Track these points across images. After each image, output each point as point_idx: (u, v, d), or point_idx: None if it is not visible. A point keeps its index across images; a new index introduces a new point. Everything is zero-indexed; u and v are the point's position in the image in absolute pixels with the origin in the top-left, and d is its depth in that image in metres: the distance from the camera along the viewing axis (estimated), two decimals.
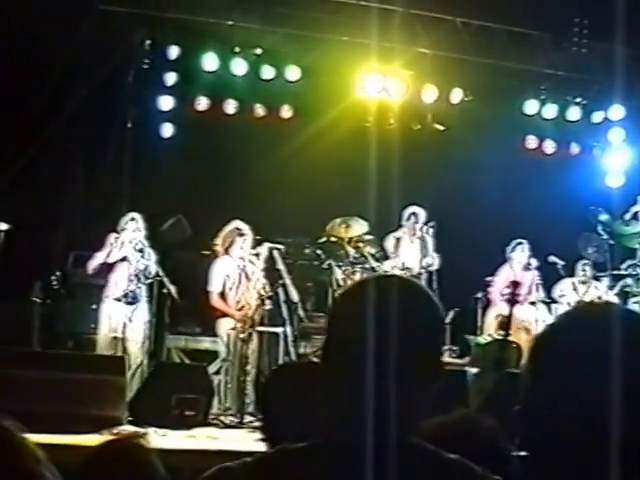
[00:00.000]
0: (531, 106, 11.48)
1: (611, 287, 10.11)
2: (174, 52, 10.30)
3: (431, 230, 9.85)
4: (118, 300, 8.31)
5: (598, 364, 1.32)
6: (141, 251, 8.39)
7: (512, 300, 7.97)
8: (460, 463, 1.56)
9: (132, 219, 8.52)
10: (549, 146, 11.91)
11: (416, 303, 1.60)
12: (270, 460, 1.60)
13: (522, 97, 11.51)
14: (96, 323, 8.47)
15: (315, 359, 9.23)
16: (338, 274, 9.61)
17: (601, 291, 9.95)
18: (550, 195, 11.03)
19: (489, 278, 9.99)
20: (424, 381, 1.57)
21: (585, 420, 1.31)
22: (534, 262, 9.79)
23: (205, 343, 9.29)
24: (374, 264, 9.57)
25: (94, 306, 8.70)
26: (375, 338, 1.50)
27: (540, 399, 1.36)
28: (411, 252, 10.05)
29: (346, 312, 1.60)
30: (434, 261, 9.91)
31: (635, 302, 9.91)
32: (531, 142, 11.90)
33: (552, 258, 9.95)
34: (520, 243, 9.83)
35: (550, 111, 11.56)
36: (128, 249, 8.37)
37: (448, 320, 8.50)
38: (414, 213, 10.04)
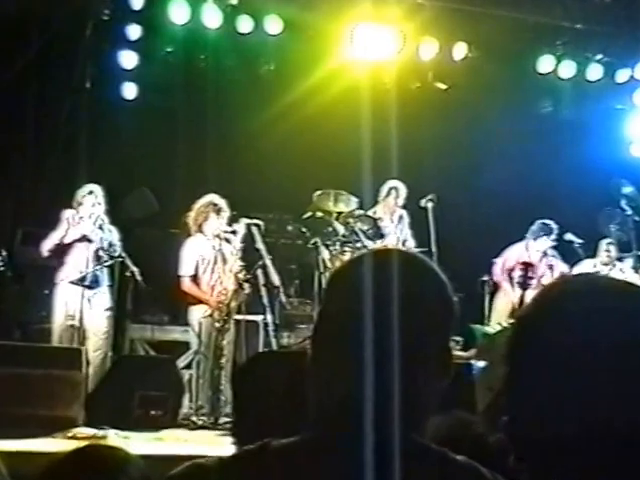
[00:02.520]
0: (546, 64, 11.43)
1: (636, 269, 10.08)
2: (138, 1, 10.15)
3: (430, 204, 9.84)
4: (75, 284, 8.20)
5: (595, 354, 1.20)
6: (101, 228, 8.32)
7: (524, 284, 7.92)
8: (468, 464, 1.55)
9: (90, 192, 8.41)
10: (566, 110, 11.89)
11: (422, 281, 1.56)
12: (252, 457, 1.52)
13: (536, 53, 11.45)
14: (49, 310, 8.40)
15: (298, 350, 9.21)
16: (325, 254, 9.56)
17: (626, 274, 9.91)
18: (567, 165, 11.07)
19: (496, 259, 9.96)
20: (430, 373, 1.54)
21: (586, 429, 1.19)
22: (549, 242, 9.78)
23: (174, 333, 9.25)
24: (366, 242, 9.53)
25: (46, 291, 8.64)
26: (375, 321, 1.48)
27: (527, 407, 1.24)
28: (390, 231, 10.15)
29: (341, 291, 1.58)
30: (413, 243, 10.01)
31: None
32: (546, 105, 11.91)
33: (569, 236, 9.95)
34: (547, 227, 9.75)
35: (567, 69, 11.51)
36: (87, 226, 8.29)
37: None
38: (394, 187, 10.14)
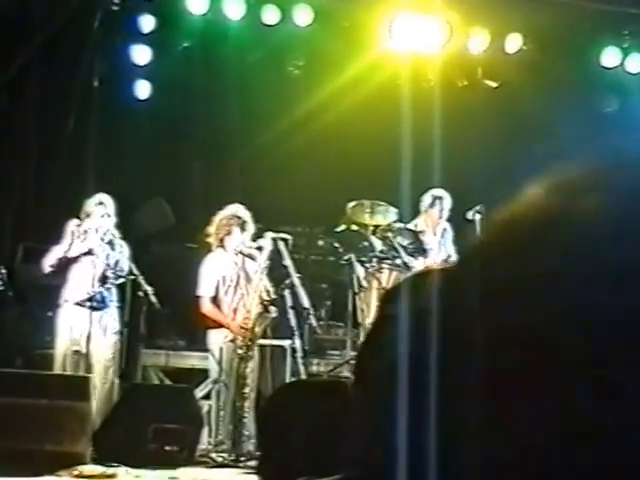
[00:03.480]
0: (611, 57, 11.54)
1: None
2: None
3: (478, 217, 9.84)
4: (81, 305, 8.39)
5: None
6: (110, 243, 8.47)
7: None
8: None
9: (99, 202, 8.56)
10: (634, 108, 11.86)
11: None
12: None
13: (599, 45, 11.56)
14: (52, 334, 8.56)
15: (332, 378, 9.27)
16: (360, 272, 9.62)
17: None
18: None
19: None
20: None
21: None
22: None
23: (191, 360, 9.40)
24: (407, 259, 9.60)
25: (50, 313, 8.81)
26: (434, 352, 1.45)
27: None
28: (434, 247, 10.18)
29: (395, 315, 1.58)
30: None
31: None
32: (611, 103, 11.96)
33: None
34: None
35: (636, 63, 11.61)
36: (94, 240, 8.45)
37: None
38: (438, 197, 10.13)
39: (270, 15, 10.72)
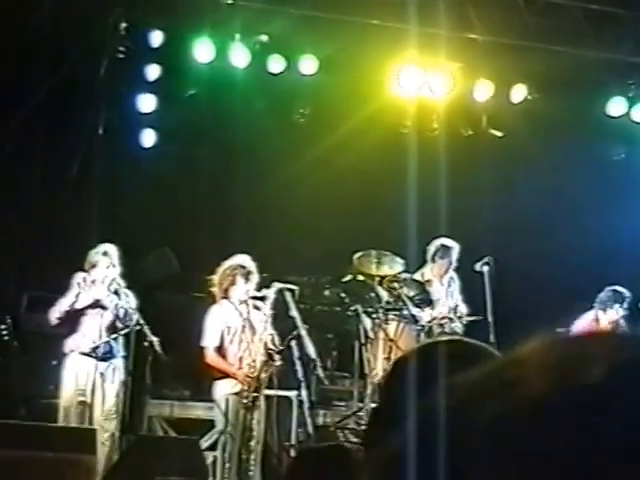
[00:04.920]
0: (617, 106, 11.69)
1: None
2: (157, 38, 10.55)
3: (486, 268, 9.93)
4: (87, 355, 8.49)
5: None
6: (117, 293, 8.58)
7: None
8: None
9: (104, 253, 8.64)
10: None
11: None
12: None
13: (605, 95, 11.72)
14: (57, 384, 8.63)
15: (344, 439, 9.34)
16: (367, 323, 9.76)
17: None
18: None
19: (561, 330, 10.13)
20: None
21: None
22: (622, 309, 9.90)
23: (197, 410, 9.49)
24: (414, 310, 9.73)
25: (54, 362, 8.90)
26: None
27: None
28: (441, 297, 10.27)
29: (406, 387, 1.55)
30: (465, 310, 10.11)
31: None
32: (618, 152, 12.14)
33: None
34: (619, 294, 9.87)
35: None
36: (100, 290, 8.55)
37: None
38: (448, 247, 10.19)
39: (276, 64, 10.89)
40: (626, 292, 9.92)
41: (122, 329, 8.58)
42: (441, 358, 1.58)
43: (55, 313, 8.51)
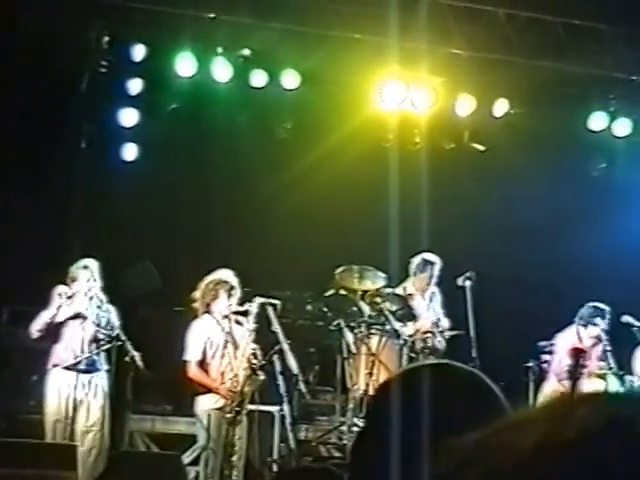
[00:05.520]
0: (598, 120, 11.79)
1: None
2: (140, 52, 10.62)
3: (468, 283, 9.99)
4: (70, 369, 8.50)
5: None
6: (98, 307, 8.61)
7: (575, 373, 8.06)
8: None
9: (85, 267, 8.69)
10: (621, 171, 12.09)
11: (485, 407, 1.57)
12: None
13: (586, 109, 11.83)
14: (38, 399, 8.66)
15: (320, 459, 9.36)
16: (349, 337, 9.81)
17: None
18: (624, 236, 11.35)
19: (543, 343, 10.19)
20: None
21: None
22: (603, 324, 9.95)
23: (179, 425, 9.53)
24: (396, 325, 9.78)
25: (35, 377, 8.95)
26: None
27: None
28: (423, 311, 10.34)
29: (393, 411, 1.57)
30: (447, 324, 10.20)
31: None
32: (598, 166, 12.22)
33: (626, 318, 10.13)
34: (599, 310, 9.93)
35: (622, 127, 11.87)
36: (81, 303, 8.59)
37: None
38: (430, 262, 10.28)
39: (258, 78, 10.96)
40: (607, 308, 9.97)
41: (104, 340, 8.58)
42: (425, 385, 1.60)
43: (36, 325, 8.55)
